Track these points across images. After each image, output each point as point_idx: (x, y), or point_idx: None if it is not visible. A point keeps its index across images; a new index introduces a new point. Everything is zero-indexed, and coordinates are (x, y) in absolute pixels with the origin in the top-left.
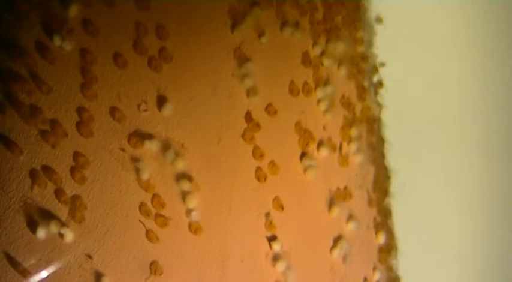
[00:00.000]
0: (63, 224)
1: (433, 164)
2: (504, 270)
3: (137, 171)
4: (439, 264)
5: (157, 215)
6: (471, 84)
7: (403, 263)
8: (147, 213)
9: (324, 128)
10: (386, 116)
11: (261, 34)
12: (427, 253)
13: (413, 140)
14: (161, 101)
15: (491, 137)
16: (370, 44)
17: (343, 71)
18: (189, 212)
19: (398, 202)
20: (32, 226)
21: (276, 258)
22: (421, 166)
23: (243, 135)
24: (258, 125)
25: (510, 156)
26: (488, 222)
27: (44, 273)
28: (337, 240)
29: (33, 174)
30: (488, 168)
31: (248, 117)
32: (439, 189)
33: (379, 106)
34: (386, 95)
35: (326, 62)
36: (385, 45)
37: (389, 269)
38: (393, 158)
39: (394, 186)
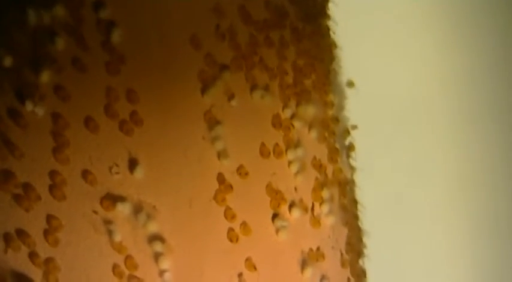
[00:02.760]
0: None
1: (409, 225)
2: None
3: (110, 233)
4: None
5: (131, 277)
6: (442, 150)
7: None
8: (120, 275)
9: (295, 189)
10: (359, 178)
11: (231, 97)
12: None
13: (387, 201)
14: (133, 164)
15: (469, 201)
16: (341, 107)
17: (314, 134)
18: (161, 273)
19: (373, 263)
20: None
21: None
22: (396, 227)
23: (214, 197)
24: (229, 187)
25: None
26: None
27: None
28: None
29: (7, 238)
30: (470, 231)
31: (219, 179)
32: (414, 251)
33: (352, 168)
34: (358, 157)
35: (297, 124)
36: (356, 108)
37: None
38: (367, 220)
39: (369, 247)
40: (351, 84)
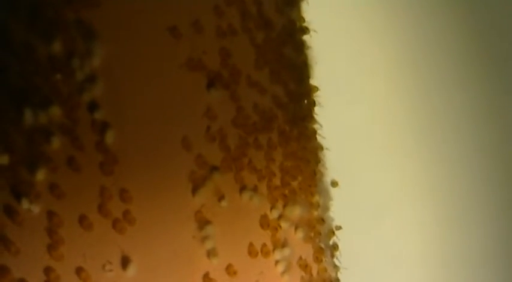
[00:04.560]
0: None
1: None
2: None
3: None
4: None
5: None
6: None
7: None
8: None
9: None
10: (343, 278)
11: (220, 198)
12: None
13: None
14: (125, 262)
15: None
16: (326, 208)
17: (300, 234)
18: None
19: None
20: None
21: None
22: None
23: None
24: None
25: None
26: None
27: None
28: None
29: None
30: None
31: (208, 277)
32: None
33: (336, 268)
34: (342, 257)
35: (283, 225)
36: (340, 209)
37: None
38: None
39: None
40: (335, 184)
